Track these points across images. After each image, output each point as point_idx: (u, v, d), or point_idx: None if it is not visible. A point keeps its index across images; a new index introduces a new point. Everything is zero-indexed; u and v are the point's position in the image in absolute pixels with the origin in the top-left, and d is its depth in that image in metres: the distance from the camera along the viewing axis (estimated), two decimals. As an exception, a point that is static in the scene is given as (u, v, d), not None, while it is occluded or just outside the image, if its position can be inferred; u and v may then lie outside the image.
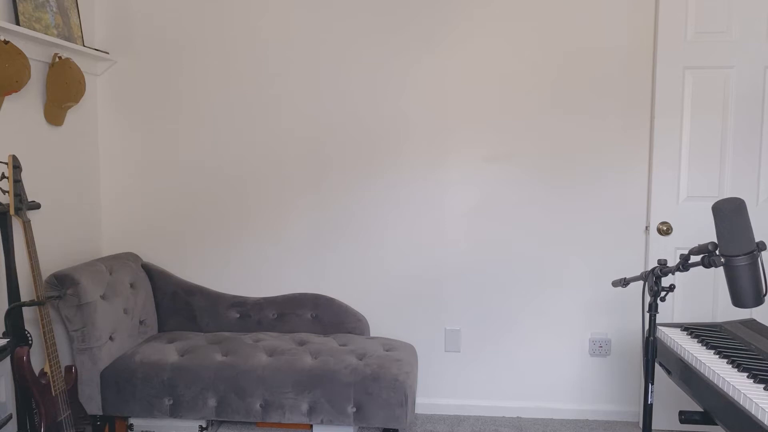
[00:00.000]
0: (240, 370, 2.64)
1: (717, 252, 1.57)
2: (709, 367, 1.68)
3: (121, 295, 2.82)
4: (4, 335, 2.35)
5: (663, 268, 1.72)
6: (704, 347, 1.86)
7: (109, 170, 3.22)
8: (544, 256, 3.08)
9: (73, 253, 2.97)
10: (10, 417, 2.23)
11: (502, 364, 3.15)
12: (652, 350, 1.74)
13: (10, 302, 2.38)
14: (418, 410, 3.20)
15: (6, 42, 2.32)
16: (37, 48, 2.63)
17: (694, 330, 2.03)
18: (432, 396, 3.20)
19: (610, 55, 2.96)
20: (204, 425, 2.79)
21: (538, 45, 2.99)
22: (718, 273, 2.91)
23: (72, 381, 2.40)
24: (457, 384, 3.18)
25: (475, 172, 3.07)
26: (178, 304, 3.14)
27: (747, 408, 1.46)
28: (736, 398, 1.52)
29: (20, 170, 2.29)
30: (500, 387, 3.16)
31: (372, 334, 3.19)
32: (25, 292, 2.56)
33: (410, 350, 2.93)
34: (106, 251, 3.25)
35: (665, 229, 2.92)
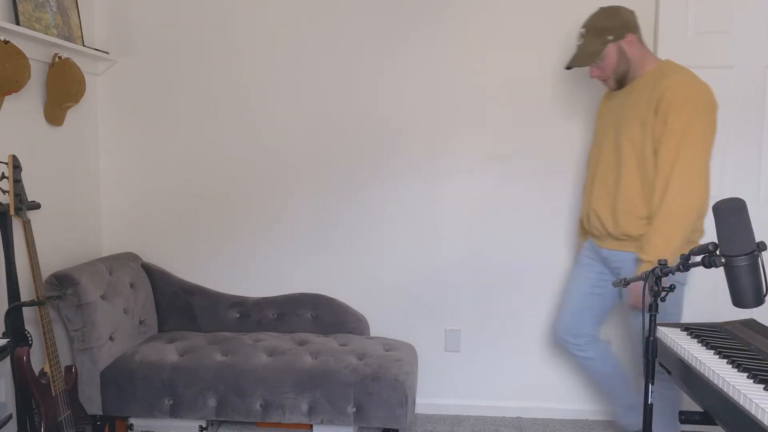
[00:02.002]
0: (240, 370, 2.64)
1: (717, 252, 1.57)
2: (709, 367, 1.68)
3: (121, 295, 2.82)
4: (4, 335, 2.35)
5: (663, 268, 1.72)
6: (704, 347, 1.86)
7: (109, 170, 3.22)
8: (544, 256, 3.08)
9: (73, 253, 2.97)
10: (10, 417, 2.23)
11: (502, 364, 3.15)
12: (652, 350, 1.74)
13: (10, 302, 2.38)
14: (418, 410, 3.20)
15: (6, 42, 2.32)
16: (37, 48, 2.63)
17: (694, 330, 2.03)
18: (432, 396, 3.20)
19: (610, 55, 2.95)
20: (204, 425, 2.79)
21: (538, 45, 2.99)
22: (719, 273, 2.90)
23: (72, 381, 2.40)
24: (457, 384, 3.18)
25: (476, 172, 3.07)
26: (178, 304, 3.14)
27: (747, 408, 1.46)
28: (736, 398, 1.52)
29: (20, 170, 2.29)
30: (500, 387, 3.16)
31: (372, 334, 3.19)
32: (25, 292, 2.56)
33: (410, 350, 2.93)
34: (106, 251, 3.25)
35: (665, 229, 2.92)
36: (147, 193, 3.21)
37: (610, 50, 2.31)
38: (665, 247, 2.18)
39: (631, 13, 2.35)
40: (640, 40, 2.34)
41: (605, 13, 2.32)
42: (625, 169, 2.29)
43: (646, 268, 2.20)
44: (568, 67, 2.43)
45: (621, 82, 2.38)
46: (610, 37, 2.29)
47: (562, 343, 2.64)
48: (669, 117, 2.14)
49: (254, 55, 3.10)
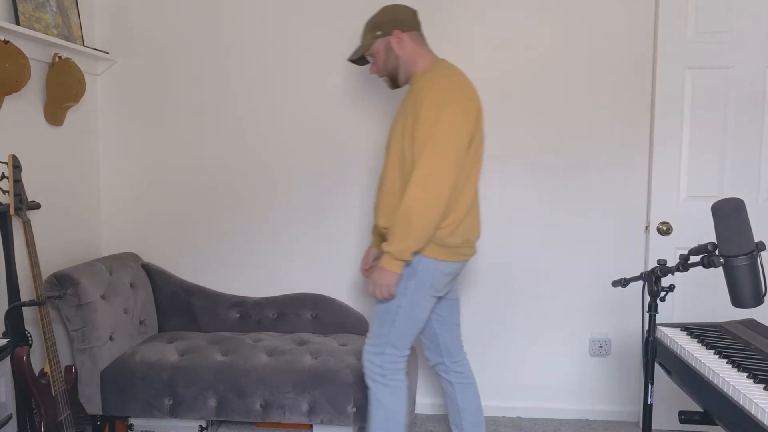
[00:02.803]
0: (240, 370, 2.64)
1: (716, 252, 1.58)
2: (708, 367, 1.68)
3: (121, 295, 2.82)
4: (4, 335, 2.35)
5: (663, 268, 1.72)
6: (704, 347, 1.86)
7: (109, 170, 3.22)
8: (544, 256, 3.08)
9: (73, 253, 2.97)
10: (10, 417, 2.23)
11: (502, 364, 3.15)
12: (652, 350, 1.74)
13: (10, 302, 2.38)
14: (418, 410, 3.20)
15: (6, 42, 2.32)
16: (37, 48, 2.63)
17: (693, 330, 2.03)
18: (432, 396, 3.20)
19: (610, 54, 2.96)
20: (204, 425, 2.79)
21: (538, 45, 2.99)
22: (718, 273, 2.90)
23: (72, 381, 2.40)
24: (457, 384, 3.18)
25: (475, 172, 3.06)
26: (178, 304, 3.14)
27: (747, 408, 1.46)
28: (735, 398, 1.52)
29: (20, 170, 2.29)
30: (500, 387, 3.16)
31: (372, 334, 3.18)
32: (25, 292, 2.56)
33: (410, 350, 2.92)
34: (106, 251, 3.25)
35: (665, 229, 2.92)
36: (147, 193, 3.21)
37: (378, 46, 2.26)
38: (403, 239, 2.05)
39: (408, 11, 2.26)
40: (414, 39, 2.25)
41: (382, 9, 2.28)
42: (389, 167, 2.22)
43: (388, 260, 2.07)
44: (350, 60, 2.37)
45: (394, 80, 2.32)
46: (379, 33, 2.24)
47: (436, 368, 2.51)
48: (420, 112, 2.08)
49: (254, 55, 3.10)
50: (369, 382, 2.26)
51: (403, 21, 2.24)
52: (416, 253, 2.13)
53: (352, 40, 3.05)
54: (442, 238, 2.13)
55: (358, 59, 2.36)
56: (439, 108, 2.06)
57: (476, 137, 2.17)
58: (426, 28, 3.01)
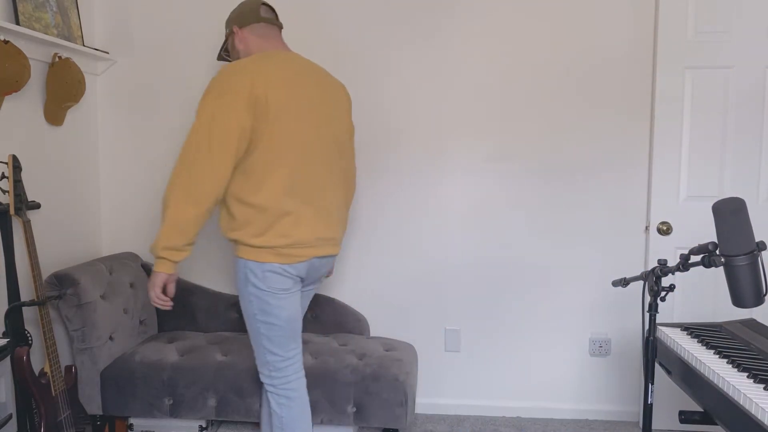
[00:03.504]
0: (240, 369, 2.64)
1: (717, 252, 1.58)
2: (709, 367, 1.68)
3: (121, 295, 2.82)
4: (4, 335, 2.35)
5: (663, 268, 1.72)
6: (704, 347, 1.86)
7: (109, 170, 3.22)
8: (544, 256, 3.08)
9: (73, 253, 2.97)
10: (10, 417, 2.23)
11: (502, 364, 3.15)
12: (652, 350, 1.74)
13: (10, 302, 2.38)
14: (418, 410, 3.20)
15: (6, 42, 2.32)
16: (37, 48, 2.63)
17: (694, 330, 2.03)
18: (432, 396, 3.20)
19: (610, 54, 2.96)
20: (204, 425, 2.79)
21: (537, 45, 2.99)
22: (718, 273, 2.91)
23: (72, 381, 2.41)
24: (457, 384, 3.18)
25: (475, 173, 3.07)
26: (178, 304, 3.14)
27: (747, 408, 1.46)
28: (736, 398, 1.52)
29: (20, 170, 2.29)
30: (500, 387, 3.16)
31: (372, 334, 3.19)
32: (25, 292, 2.56)
33: (410, 350, 2.93)
34: (106, 251, 3.25)
35: (665, 229, 2.92)
36: (147, 192, 3.21)
37: (231, 42, 2.23)
38: (159, 236, 1.96)
39: (250, 5, 2.18)
40: (256, 32, 2.16)
41: (235, 6, 2.27)
42: None
43: (157, 264, 2.00)
44: (219, 60, 2.35)
45: None
46: (227, 30, 2.23)
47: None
48: None
49: (254, 55, 3.10)
50: (266, 393, 2.20)
51: (242, 16, 2.18)
52: (239, 256, 2.07)
53: (351, 37, 3.04)
54: (246, 239, 2.04)
55: (227, 57, 2.32)
56: (204, 99, 1.95)
57: (275, 132, 1.98)
58: (424, 28, 3.02)
